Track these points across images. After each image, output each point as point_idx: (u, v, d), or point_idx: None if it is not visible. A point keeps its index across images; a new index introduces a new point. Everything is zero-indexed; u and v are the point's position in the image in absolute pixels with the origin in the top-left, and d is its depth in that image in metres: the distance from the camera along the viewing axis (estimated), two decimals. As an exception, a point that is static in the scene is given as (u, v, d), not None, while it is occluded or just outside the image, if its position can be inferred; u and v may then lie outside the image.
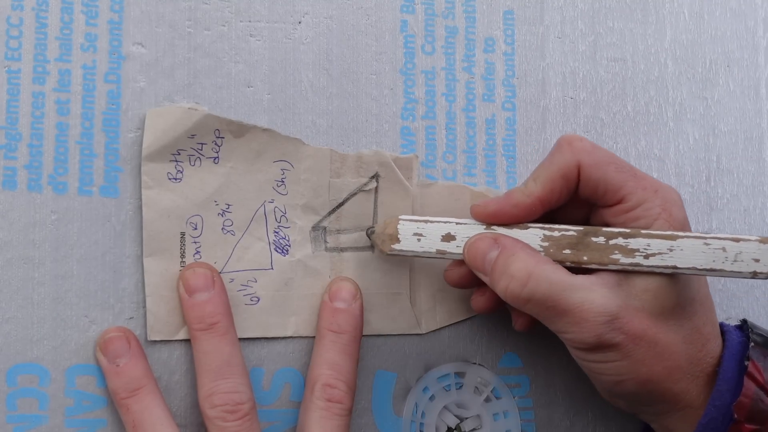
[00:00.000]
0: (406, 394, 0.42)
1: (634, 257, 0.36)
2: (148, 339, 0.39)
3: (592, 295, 0.35)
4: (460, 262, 0.39)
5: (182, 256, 0.39)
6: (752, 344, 0.37)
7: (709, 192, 0.46)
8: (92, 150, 0.39)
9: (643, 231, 0.36)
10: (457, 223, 0.38)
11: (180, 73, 0.40)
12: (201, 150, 0.39)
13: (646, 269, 0.36)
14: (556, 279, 0.35)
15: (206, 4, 0.41)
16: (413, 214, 0.41)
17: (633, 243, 0.36)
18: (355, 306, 0.40)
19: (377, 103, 0.42)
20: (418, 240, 0.39)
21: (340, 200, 0.41)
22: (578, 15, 0.45)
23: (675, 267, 0.36)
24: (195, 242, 0.39)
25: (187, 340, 0.39)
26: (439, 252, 0.38)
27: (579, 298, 0.35)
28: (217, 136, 0.39)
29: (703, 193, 0.46)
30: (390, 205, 0.41)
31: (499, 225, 0.38)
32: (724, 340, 0.38)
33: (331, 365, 0.39)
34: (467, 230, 0.38)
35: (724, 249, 0.36)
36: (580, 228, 0.37)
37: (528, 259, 0.36)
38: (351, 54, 0.42)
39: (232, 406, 0.36)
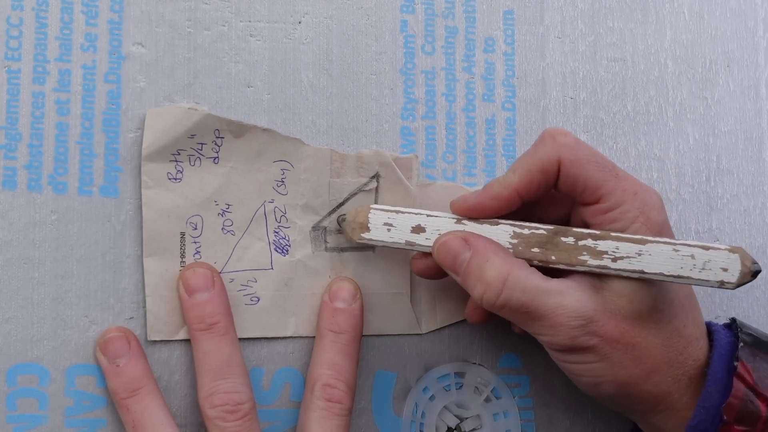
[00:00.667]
0: (406, 394, 0.42)
1: (602, 259, 0.36)
2: (148, 339, 0.39)
3: (566, 300, 0.35)
4: (428, 253, 0.39)
5: (182, 256, 0.39)
6: (741, 344, 0.37)
7: (709, 192, 0.46)
8: (92, 150, 0.39)
9: (612, 234, 0.36)
10: (428, 215, 0.38)
11: (180, 73, 0.40)
12: (201, 150, 0.39)
13: (613, 272, 0.36)
14: (530, 285, 0.35)
15: (206, 4, 0.41)
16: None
17: (602, 245, 0.36)
18: (355, 306, 0.40)
19: (377, 103, 0.42)
20: (388, 230, 0.38)
21: (341, 200, 0.41)
22: (578, 15, 0.45)
23: (642, 272, 0.36)
24: (195, 242, 0.39)
25: (187, 340, 0.39)
26: (408, 243, 0.38)
27: (553, 302, 0.35)
28: (217, 136, 0.39)
29: (703, 193, 0.46)
30: (390, 204, 0.41)
31: (472, 218, 0.38)
32: (712, 341, 0.38)
33: (331, 365, 0.39)
34: (437, 223, 0.38)
35: (692, 256, 0.36)
36: (551, 227, 0.37)
37: (501, 266, 0.36)
38: (351, 54, 0.42)
39: (232, 406, 0.36)
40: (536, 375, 0.44)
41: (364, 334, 0.41)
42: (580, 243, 0.36)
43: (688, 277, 0.36)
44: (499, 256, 0.36)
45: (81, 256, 0.38)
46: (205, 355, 0.37)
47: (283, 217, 0.40)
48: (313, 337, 0.41)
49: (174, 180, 0.39)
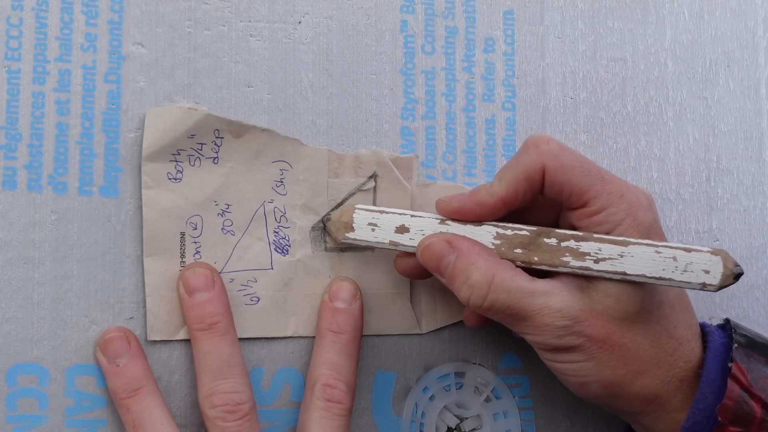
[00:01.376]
0: (406, 394, 0.42)
1: (584, 261, 0.36)
2: (148, 339, 0.39)
3: (552, 300, 0.35)
4: (411, 253, 0.39)
5: (182, 256, 0.39)
6: (736, 345, 0.37)
7: (709, 192, 0.46)
8: (92, 150, 0.39)
9: (595, 235, 0.36)
10: (411, 216, 0.38)
11: (180, 73, 0.40)
12: (201, 150, 0.39)
13: (595, 273, 0.36)
14: (515, 287, 0.35)
15: (206, 4, 0.41)
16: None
17: (584, 246, 0.36)
18: (355, 306, 0.40)
19: (377, 103, 0.42)
20: (372, 230, 0.39)
21: (339, 200, 0.41)
22: (578, 15, 0.45)
23: (624, 273, 0.36)
24: (195, 242, 0.39)
25: (187, 340, 0.39)
26: (392, 243, 0.38)
27: (538, 303, 0.35)
28: (217, 136, 0.39)
29: (703, 193, 0.46)
30: (388, 204, 0.41)
31: (457, 221, 0.38)
32: (706, 342, 0.38)
33: (331, 365, 0.39)
34: (421, 223, 0.38)
35: (674, 258, 0.36)
36: (534, 228, 0.37)
37: (487, 269, 0.36)
38: (351, 54, 0.42)
39: (232, 406, 0.36)
40: (536, 375, 0.44)
41: (364, 334, 0.41)
42: (563, 244, 0.37)
43: (670, 279, 0.36)
44: (484, 258, 0.36)
45: (81, 256, 0.38)
46: (205, 355, 0.37)
47: (282, 217, 0.40)
48: (313, 337, 0.41)
49: (174, 180, 0.39)
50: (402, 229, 0.38)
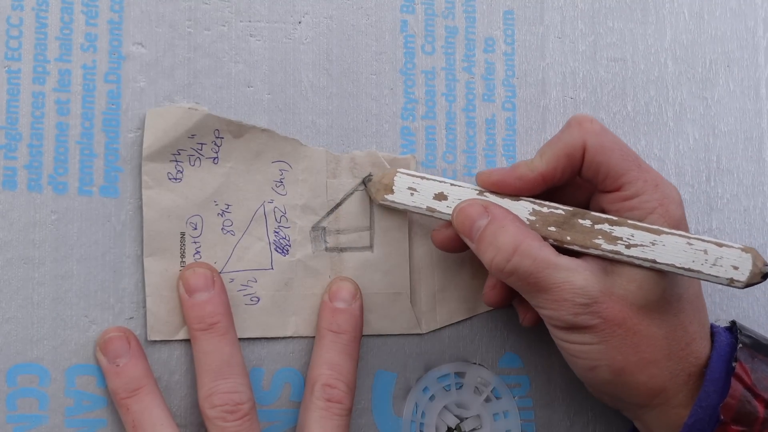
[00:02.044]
0: (406, 394, 0.42)
1: (616, 245, 0.36)
2: (148, 339, 0.39)
3: (575, 276, 0.35)
4: (449, 225, 0.39)
5: (182, 256, 0.39)
6: (740, 346, 0.37)
7: (709, 192, 0.46)
8: (92, 150, 0.39)
9: (629, 221, 0.36)
10: (452, 184, 0.39)
11: (180, 73, 0.40)
12: (201, 150, 0.39)
13: (625, 258, 0.36)
14: (541, 256, 0.36)
15: (206, 4, 0.41)
16: (408, 215, 0.41)
17: (618, 231, 0.36)
18: (355, 306, 0.40)
19: (377, 103, 0.42)
20: (411, 194, 0.39)
21: (338, 201, 0.41)
22: (578, 15, 0.45)
23: (654, 261, 0.36)
24: (195, 242, 0.39)
25: (187, 340, 0.39)
26: (429, 209, 0.39)
27: (561, 277, 0.35)
28: (217, 136, 0.39)
29: (703, 193, 0.46)
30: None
31: (495, 194, 0.38)
32: (713, 342, 0.38)
33: (330, 365, 0.39)
34: (460, 192, 0.39)
35: (705, 251, 0.36)
36: (569, 208, 0.38)
37: (516, 233, 0.36)
38: (351, 54, 0.42)
39: (232, 406, 0.36)
40: (536, 375, 0.44)
41: (364, 334, 0.41)
42: (597, 227, 0.37)
43: (698, 271, 0.36)
44: (516, 225, 0.37)
45: (81, 256, 0.38)
46: (205, 355, 0.37)
47: (283, 217, 0.40)
48: (313, 337, 0.41)
49: (174, 180, 0.39)
50: (440, 197, 0.39)
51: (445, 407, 0.43)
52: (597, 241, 0.37)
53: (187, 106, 0.39)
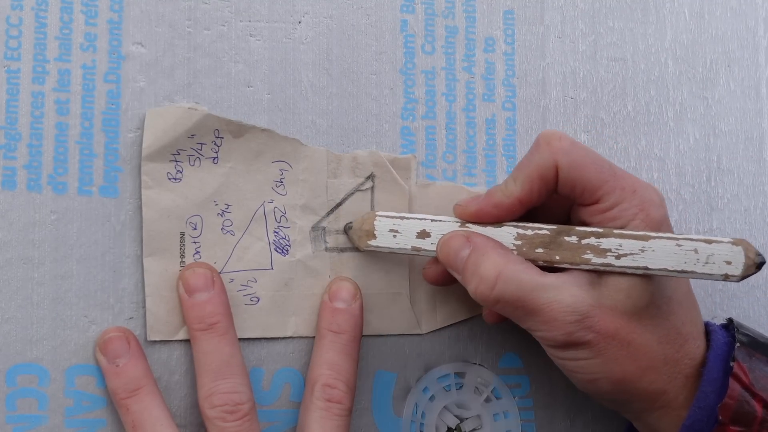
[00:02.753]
0: (406, 394, 0.42)
1: (605, 257, 0.36)
2: (148, 339, 0.39)
3: (562, 294, 0.35)
4: (437, 260, 0.39)
5: (182, 256, 0.39)
6: (738, 344, 0.37)
7: (709, 192, 0.46)
8: (92, 150, 0.39)
9: (615, 231, 0.36)
10: (432, 220, 0.39)
11: (180, 73, 0.40)
12: (200, 150, 0.39)
13: (617, 269, 0.36)
14: (525, 279, 0.35)
15: (206, 4, 0.41)
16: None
17: (605, 243, 0.36)
18: (354, 306, 0.40)
19: (377, 103, 0.42)
20: (394, 236, 0.39)
21: (338, 200, 0.41)
22: (578, 15, 0.45)
23: (646, 268, 0.36)
24: (195, 242, 0.39)
25: (187, 340, 0.39)
26: (414, 249, 0.39)
27: (548, 297, 0.35)
28: (217, 136, 0.39)
29: (704, 193, 0.46)
30: (386, 204, 0.41)
31: (477, 223, 0.38)
32: (709, 340, 0.38)
33: (330, 365, 0.39)
34: (442, 227, 0.38)
35: (696, 251, 0.36)
36: (554, 227, 0.37)
37: (498, 259, 0.36)
38: (351, 54, 0.42)
39: (232, 406, 0.36)
40: (536, 375, 0.44)
41: (364, 334, 0.41)
42: (584, 242, 0.37)
43: (692, 272, 0.36)
44: (497, 251, 0.36)
45: (81, 256, 0.38)
46: (204, 355, 0.37)
47: (282, 217, 0.40)
48: (313, 337, 0.41)
49: (174, 180, 0.39)
50: (423, 234, 0.38)
51: (445, 407, 0.43)
52: (586, 256, 0.36)
53: (186, 106, 0.39)
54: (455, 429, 0.43)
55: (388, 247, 0.39)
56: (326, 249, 0.41)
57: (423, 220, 0.39)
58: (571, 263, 0.37)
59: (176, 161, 0.39)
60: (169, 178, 0.39)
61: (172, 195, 0.39)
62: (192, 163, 0.39)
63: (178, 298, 0.39)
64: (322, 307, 0.40)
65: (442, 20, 0.43)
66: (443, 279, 0.40)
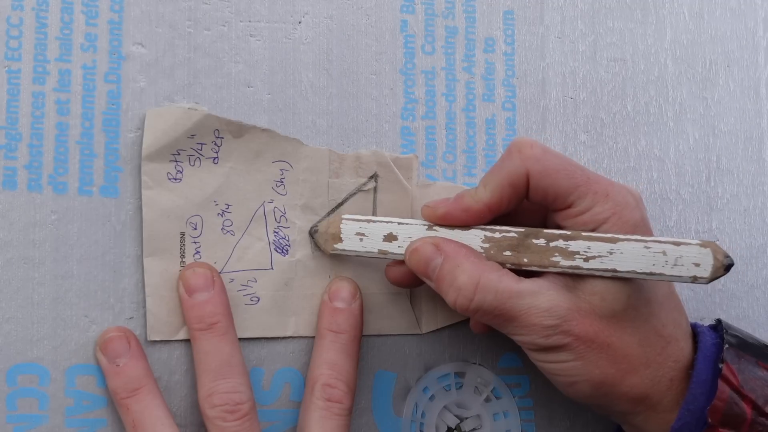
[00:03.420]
0: (406, 394, 0.42)
1: (573, 260, 0.36)
2: (148, 339, 0.39)
3: (539, 300, 0.35)
4: (402, 261, 0.39)
5: (182, 256, 0.39)
6: (726, 346, 0.37)
7: (709, 192, 0.46)
8: (92, 150, 0.39)
9: (584, 234, 0.36)
10: (399, 223, 0.38)
11: (180, 73, 0.40)
12: (201, 150, 0.39)
13: (586, 272, 0.36)
14: (501, 287, 0.35)
15: (206, 4, 0.41)
16: (412, 214, 0.41)
17: (573, 245, 0.36)
18: (354, 306, 0.40)
19: (377, 103, 0.42)
20: (361, 240, 0.39)
21: (340, 200, 0.41)
22: (578, 15, 0.45)
23: (615, 270, 0.36)
24: (195, 242, 0.39)
25: (187, 340, 0.39)
26: (381, 252, 0.38)
27: (525, 304, 0.35)
28: (217, 136, 0.39)
29: (703, 193, 0.46)
30: (389, 204, 0.41)
31: (444, 226, 0.38)
32: (697, 342, 0.37)
33: (330, 365, 0.39)
34: (409, 230, 0.38)
35: (664, 253, 0.36)
36: (521, 229, 0.37)
37: (473, 270, 0.36)
38: (351, 54, 0.42)
39: (232, 406, 0.36)
40: (536, 375, 0.44)
41: (364, 334, 0.41)
42: (552, 244, 0.36)
43: (660, 274, 0.36)
44: (471, 261, 0.36)
45: (81, 256, 0.38)
46: (205, 355, 0.37)
47: (282, 218, 0.40)
48: (313, 337, 0.41)
49: (174, 180, 0.39)
50: (390, 238, 0.38)
51: (445, 407, 0.43)
52: (555, 258, 0.36)
53: (186, 106, 0.39)
54: (455, 429, 0.43)
55: (355, 251, 0.39)
56: (326, 249, 0.41)
57: (389, 223, 0.38)
58: (539, 266, 0.37)
59: (176, 161, 0.39)
60: (169, 179, 0.39)
61: (172, 195, 0.39)
62: (192, 163, 0.39)
63: (178, 298, 0.39)
64: (322, 307, 0.40)
65: (442, 20, 0.43)
66: (408, 281, 0.40)
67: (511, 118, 0.44)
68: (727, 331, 0.38)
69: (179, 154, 0.39)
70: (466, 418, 0.43)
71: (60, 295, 0.38)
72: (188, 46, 0.40)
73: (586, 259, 0.36)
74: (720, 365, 0.36)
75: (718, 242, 0.45)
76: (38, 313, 0.38)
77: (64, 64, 0.39)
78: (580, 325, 0.35)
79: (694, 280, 0.36)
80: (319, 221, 0.41)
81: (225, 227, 0.40)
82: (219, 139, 0.39)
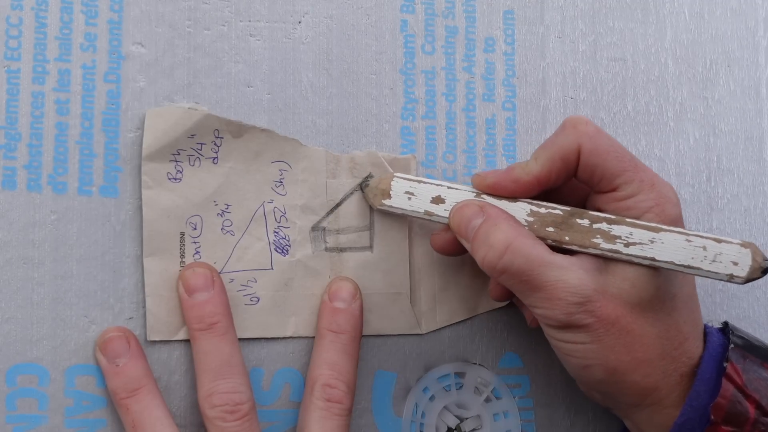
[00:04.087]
0: (406, 394, 0.42)
1: (614, 243, 0.36)
2: (148, 339, 0.39)
3: (568, 275, 0.35)
4: (447, 228, 0.39)
5: (182, 256, 0.39)
6: (732, 346, 0.37)
7: (709, 192, 0.46)
8: (92, 150, 0.39)
9: (627, 219, 0.36)
10: (449, 187, 0.39)
11: (180, 73, 0.40)
12: (200, 150, 0.39)
13: (624, 257, 0.36)
14: (534, 254, 0.35)
15: (206, 4, 0.41)
16: (407, 218, 0.41)
17: (616, 230, 0.36)
18: (354, 306, 0.40)
19: (377, 103, 0.42)
20: (409, 199, 0.39)
21: (337, 201, 0.41)
22: (578, 15, 0.45)
23: (653, 259, 0.36)
24: (195, 242, 0.39)
25: (187, 340, 0.39)
26: (427, 213, 0.39)
27: (554, 276, 0.35)
28: (217, 136, 0.39)
29: (704, 193, 0.46)
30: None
31: (492, 196, 0.38)
32: (705, 342, 0.38)
33: (330, 365, 0.39)
34: (457, 195, 0.39)
35: (704, 248, 0.36)
36: (567, 208, 0.38)
37: (509, 231, 0.36)
38: (351, 54, 0.42)
39: (232, 406, 0.36)
40: (536, 375, 0.44)
41: (364, 334, 0.41)
42: (595, 226, 0.37)
43: (698, 268, 0.36)
44: (509, 223, 0.36)
45: (81, 256, 0.38)
46: (204, 355, 0.37)
47: (282, 218, 0.40)
48: (313, 337, 0.41)
49: (174, 180, 0.39)
50: (438, 200, 0.39)
51: (445, 407, 0.43)
52: (596, 240, 0.37)
53: (186, 106, 0.39)
54: (455, 429, 0.43)
55: (402, 209, 0.39)
56: (326, 249, 0.41)
57: (439, 186, 0.39)
58: (580, 245, 0.37)
59: (176, 161, 0.39)
60: (169, 178, 0.39)
61: (172, 195, 0.39)
62: (192, 163, 0.39)
63: (178, 298, 0.39)
64: (322, 307, 0.40)
65: (442, 20, 0.43)
66: (450, 248, 0.40)
67: (511, 117, 0.44)
68: (733, 333, 0.38)
69: (179, 154, 0.39)
70: (466, 419, 0.43)
71: (59, 295, 0.38)
72: (188, 45, 0.40)
73: (627, 245, 0.36)
74: (725, 364, 0.36)
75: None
76: (38, 313, 0.38)
77: (63, 64, 0.39)
78: (604, 307, 0.35)
79: (730, 278, 0.36)
80: (321, 219, 0.41)
81: (225, 227, 0.40)
82: (219, 139, 0.39)
